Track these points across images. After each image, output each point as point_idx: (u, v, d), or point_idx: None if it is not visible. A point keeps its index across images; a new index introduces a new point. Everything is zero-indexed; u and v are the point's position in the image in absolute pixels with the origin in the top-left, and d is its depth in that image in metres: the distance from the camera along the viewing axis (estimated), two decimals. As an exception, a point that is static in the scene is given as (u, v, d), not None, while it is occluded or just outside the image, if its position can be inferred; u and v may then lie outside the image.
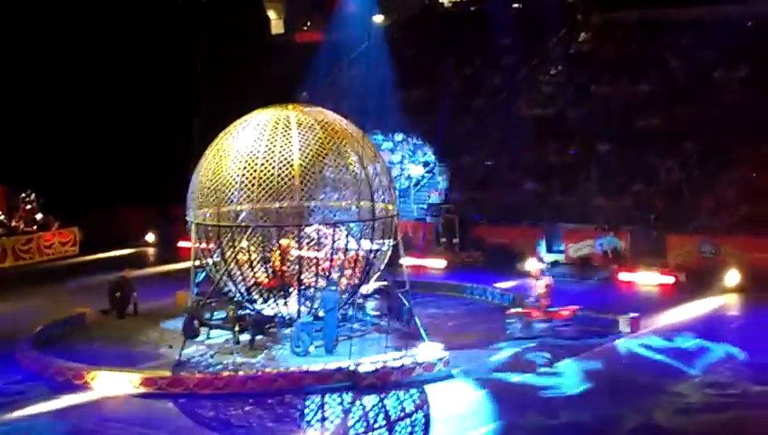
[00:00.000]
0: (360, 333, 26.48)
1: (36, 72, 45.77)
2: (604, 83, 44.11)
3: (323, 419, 21.27)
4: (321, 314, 25.66)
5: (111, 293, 30.16)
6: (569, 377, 23.27)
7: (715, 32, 41.55)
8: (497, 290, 31.48)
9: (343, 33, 47.57)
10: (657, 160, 38.81)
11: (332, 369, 23.13)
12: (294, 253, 25.39)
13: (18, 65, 45.53)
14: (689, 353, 24.69)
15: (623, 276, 33.44)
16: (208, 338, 26.74)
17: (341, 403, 21.81)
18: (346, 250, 25.66)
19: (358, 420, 20.98)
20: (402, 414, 21.26)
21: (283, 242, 25.46)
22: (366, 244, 25.75)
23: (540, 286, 27.12)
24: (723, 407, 20.95)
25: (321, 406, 21.79)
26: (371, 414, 21.35)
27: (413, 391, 22.37)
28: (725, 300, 30.46)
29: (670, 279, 32.65)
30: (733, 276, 31.47)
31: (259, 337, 26.14)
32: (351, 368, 22.72)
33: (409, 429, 20.43)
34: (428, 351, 24.04)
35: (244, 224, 25.39)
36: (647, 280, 33.02)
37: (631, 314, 27.10)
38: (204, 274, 27.11)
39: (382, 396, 21.97)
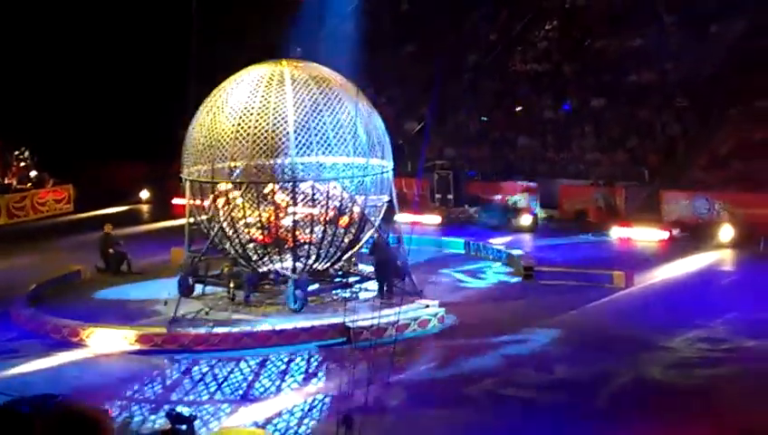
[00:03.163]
0: (355, 290, 26.51)
1: (29, 28, 45.50)
2: (599, 38, 43.91)
3: (318, 375, 21.37)
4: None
5: (104, 249, 30.19)
6: (564, 333, 23.36)
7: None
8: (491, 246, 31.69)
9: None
10: (653, 115, 38.72)
11: (326, 326, 23.19)
12: (289, 209, 25.34)
13: (11, 21, 45.26)
14: (683, 309, 24.72)
15: (618, 232, 33.40)
16: (203, 295, 26.80)
17: (336, 360, 21.85)
18: (341, 206, 25.61)
19: (351, 376, 21.02)
20: (396, 371, 21.30)
21: (278, 198, 25.39)
22: (360, 199, 25.70)
23: None
24: (716, 361, 21.02)
25: (316, 363, 21.89)
26: (365, 370, 21.39)
27: (407, 347, 22.40)
28: (719, 255, 30.49)
29: (665, 234, 32.61)
30: (727, 232, 31.44)
31: (254, 294, 26.18)
32: (346, 325, 22.78)
33: (403, 385, 20.45)
34: (423, 307, 24.09)
35: (238, 180, 25.30)
36: (641, 235, 33.00)
37: (625, 270, 27.20)
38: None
39: (376, 352, 22.00)
